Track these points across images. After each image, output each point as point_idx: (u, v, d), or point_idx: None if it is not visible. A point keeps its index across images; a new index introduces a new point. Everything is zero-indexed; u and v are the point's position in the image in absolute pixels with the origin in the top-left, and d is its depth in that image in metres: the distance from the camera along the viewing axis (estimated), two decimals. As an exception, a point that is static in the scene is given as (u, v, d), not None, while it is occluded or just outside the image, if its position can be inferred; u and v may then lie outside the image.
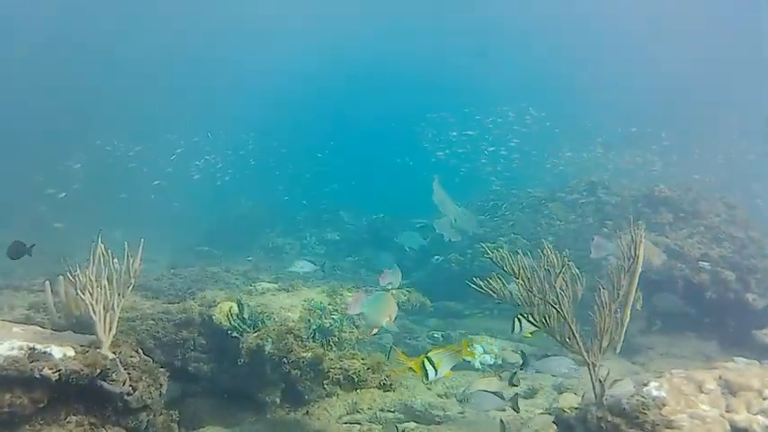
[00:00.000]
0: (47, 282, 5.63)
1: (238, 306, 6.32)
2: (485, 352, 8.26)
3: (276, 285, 7.43)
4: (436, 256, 12.43)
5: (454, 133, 20.98)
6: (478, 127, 20.41)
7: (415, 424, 6.21)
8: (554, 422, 6.00)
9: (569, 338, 5.19)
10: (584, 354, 5.04)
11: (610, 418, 4.78)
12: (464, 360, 8.10)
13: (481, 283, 5.25)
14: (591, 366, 5.06)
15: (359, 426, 6.31)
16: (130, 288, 5.03)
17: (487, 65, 39.24)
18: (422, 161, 23.28)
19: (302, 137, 29.40)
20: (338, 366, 5.04)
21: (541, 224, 11.76)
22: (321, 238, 16.51)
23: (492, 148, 19.17)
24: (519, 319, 5.92)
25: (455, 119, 22.19)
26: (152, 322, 6.59)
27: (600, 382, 5.06)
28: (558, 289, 4.89)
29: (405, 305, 7.56)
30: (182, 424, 6.30)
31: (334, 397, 6.43)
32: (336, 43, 39.85)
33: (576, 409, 6.16)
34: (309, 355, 5.28)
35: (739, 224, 10.93)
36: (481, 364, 8.08)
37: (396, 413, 6.52)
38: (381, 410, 6.54)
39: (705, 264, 9.73)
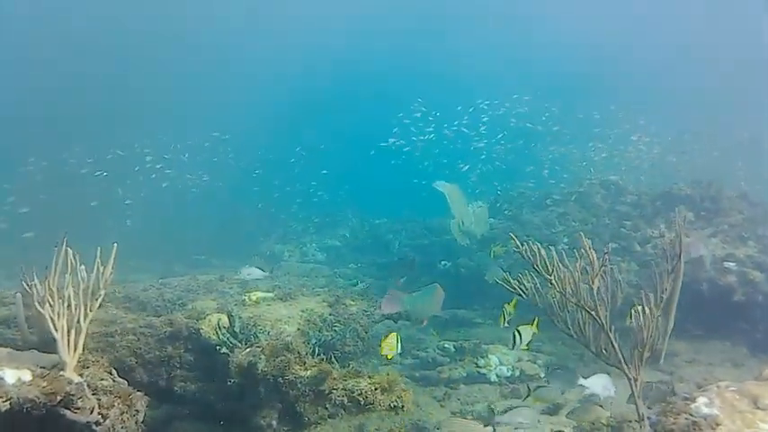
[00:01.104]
0: (18, 294, 4.96)
1: (229, 318, 5.66)
2: (501, 363, 7.59)
3: (272, 294, 6.75)
4: (443, 262, 11.75)
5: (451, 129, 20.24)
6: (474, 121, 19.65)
7: (428, 448, 5.55)
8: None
9: (606, 349, 4.53)
10: (625, 367, 4.38)
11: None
12: (478, 373, 7.47)
13: (512, 280, 4.62)
14: (632, 381, 4.40)
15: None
16: (99, 300, 4.39)
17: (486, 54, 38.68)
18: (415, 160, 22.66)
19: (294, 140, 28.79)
20: (341, 387, 4.36)
21: (555, 225, 11.07)
22: (321, 244, 15.83)
23: (482, 144, 18.47)
24: (519, 333, 5.46)
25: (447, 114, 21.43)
26: (133, 337, 5.90)
27: (642, 399, 4.41)
28: (595, 292, 4.24)
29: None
30: (168, 451, 5.68)
31: (337, 418, 5.76)
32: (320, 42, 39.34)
33: (606, 426, 5.51)
34: (309, 373, 4.61)
35: (763, 222, 10.28)
36: (497, 376, 7.42)
37: (405, 433, 5.88)
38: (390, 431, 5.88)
39: (731, 264, 9.08)
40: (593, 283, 4.20)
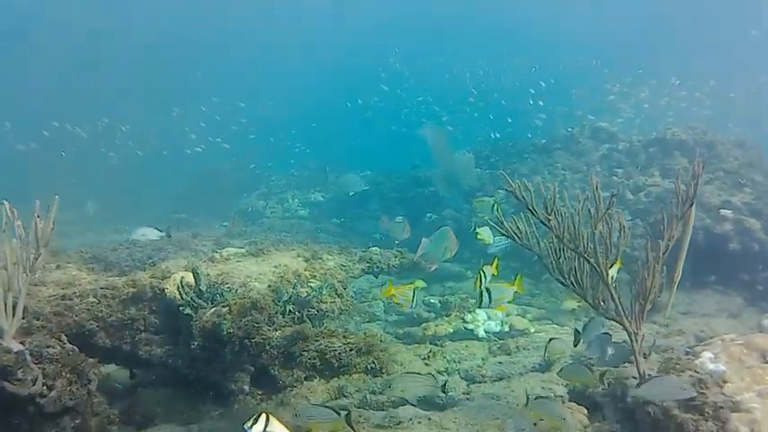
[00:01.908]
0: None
1: (194, 276, 5.20)
2: (489, 318, 7.21)
3: (243, 250, 6.29)
4: (429, 214, 11.30)
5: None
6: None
7: (413, 409, 5.16)
8: (571, 399, 5.00)
9: (605, 300, 4.14)
10: (625, 320, 4.00)
11: (658, 401, 3.74)
12: (465, 329, 7.09)
13: (506, 223, 4.19)
14: (633, 336, 4.02)
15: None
16: (40, 259, 3.92)
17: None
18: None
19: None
20: (313, 348, 3.92)
21: (544, 174, 10.60)
22: (304, 200, 15.31)
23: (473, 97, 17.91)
24: (487, 291, 4.57)
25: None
26: (94, 300, 5.45)
27: (644, 355, 4.04)
28: (596, 238, 3.81)
29: (397, 267, 6.44)
30: (131, 421, 5.28)
31: (315, 380, 5.37)
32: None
33: (602, 385, 5.12)
34: (278, 334, 4.18)
35: (758, 167, 9.90)
36: (486, 332, 7.04)
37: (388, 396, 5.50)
38: (372, 393, 5.49)
39: (727, 212, 8.70)
40: (596, 227, 3.77)
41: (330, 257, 6.09)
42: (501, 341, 6.81)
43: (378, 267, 6.33)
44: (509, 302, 4.74)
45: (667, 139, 10.40)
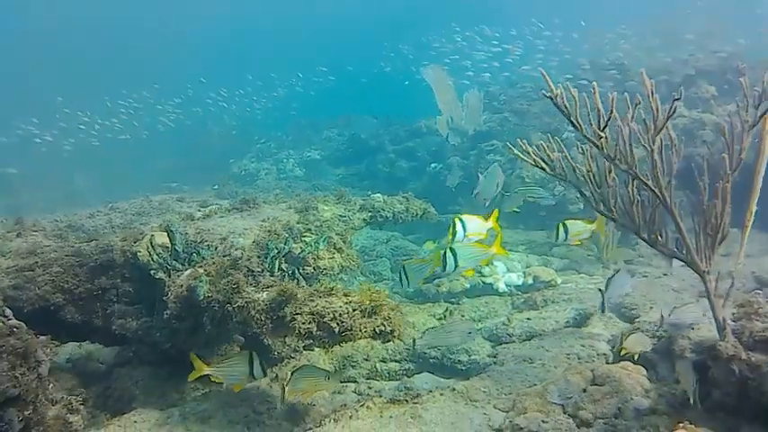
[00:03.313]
0: None
1: (168, 234, 4.42)
2: (509, 270, 6.44)
3: (227, 203, 5.49)
4: (433, 164, 10.44)
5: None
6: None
7: (431, 378, 4.42)
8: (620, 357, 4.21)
9: (663, 234, 3.34)
10: (695, 256, 3.21)
11: (745, 356, 2.96)
12: (483, 283, 6.34)
13: (529, 148, 3.40)
14: (704, 275, 3.24)
15: (354, 386, 4.54)
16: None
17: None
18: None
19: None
20: (308, 311, 3.14)
21: (556, 113, 9.69)
22: (300, 158, 14.45)
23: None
24: (564, 225, 4.17)
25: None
26: (59, 269, 4.69)
27: (722, 299, 3.26)
28: (656, 154, 3.00)
29: (403, 215, 5.61)
30: (106, 405, 4.55)
31: (315, 350, 4.64)
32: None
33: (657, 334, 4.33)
34: (264, 296, 3.40)
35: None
36: (507, 285, 6.27)
37: (402, 364, 4.75)
38: (383, 361, 4.76)
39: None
40: (653, 141, 2.96)
41: (326, 208, 5.28)
42: (525, 295, 6.03)
43: (382, 216, 5.52)
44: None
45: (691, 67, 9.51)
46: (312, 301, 3.19)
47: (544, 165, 3.48)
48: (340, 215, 5.24)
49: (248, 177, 14.11)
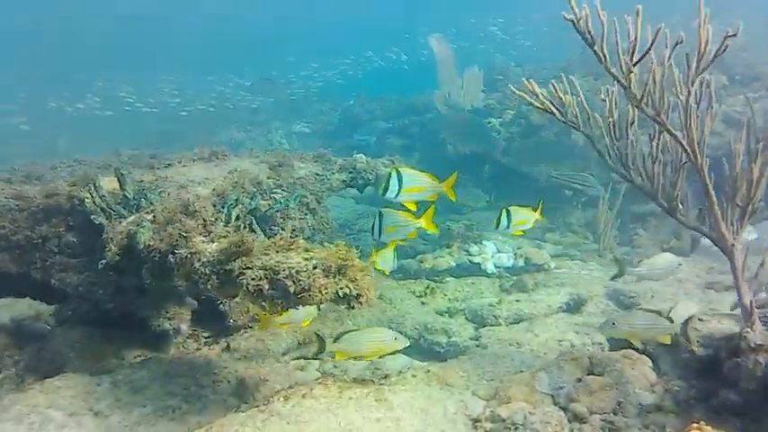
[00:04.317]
0: None
1: (118, 179, 3.90)
2: (499, 251, 5.94)
3: (192, 153, 4.95)
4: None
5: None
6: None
7: (405, 359, 3.92)
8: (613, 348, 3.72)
9: (684, 202, 2.84)
10: (723, 227, 2.71)
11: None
12: (471, 262, 5.84)
13: (537, 88, 2.90)
14: (731, 248, 2.75)
15: (318, 364, 4.04)
16: None
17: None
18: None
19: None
20: (259, 265, 2.62)
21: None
22: (289, 131, 13.91)
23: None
24: (507, 211, 3.56)
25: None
26: (-5, 214, 4.14)
27: (749, 280, 2.77)
28: (692, 102, 2.48)
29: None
30: (38, 369, 4.03)
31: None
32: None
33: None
34: (213, 247, 2.88)
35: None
36: (495, 266, 5.77)
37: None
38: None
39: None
40: (691, 83, 2.44)
41: (302, 165, 4.75)
42: (515, 277, 5.53)
43: (363, 179, 4.98)
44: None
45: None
46: (266, 254, 2.66)
47: (555, 110, 2.98)
48: (316, 173, 4.71)
49: (234, 147, 13.57)
